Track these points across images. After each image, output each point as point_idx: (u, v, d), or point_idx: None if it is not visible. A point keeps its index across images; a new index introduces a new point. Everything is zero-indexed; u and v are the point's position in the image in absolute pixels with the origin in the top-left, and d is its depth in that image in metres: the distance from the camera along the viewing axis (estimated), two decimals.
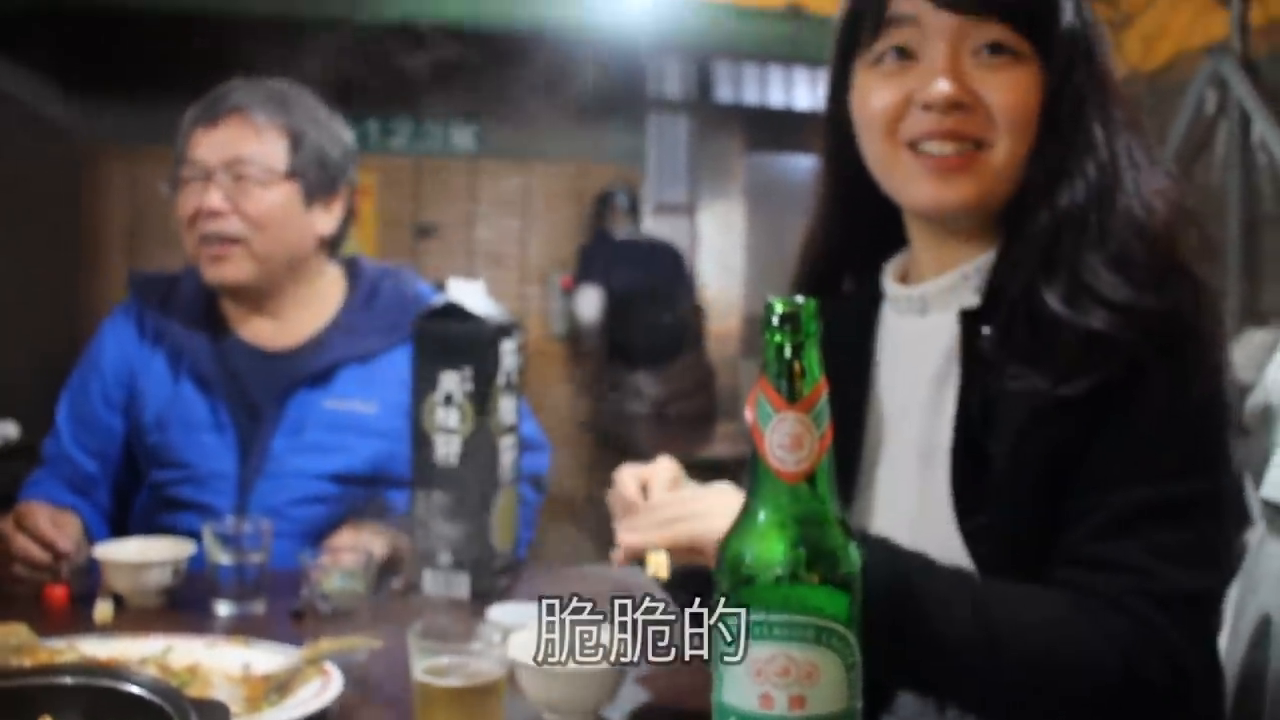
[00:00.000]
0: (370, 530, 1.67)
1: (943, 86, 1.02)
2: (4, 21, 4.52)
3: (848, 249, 1.24)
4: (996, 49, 1.03)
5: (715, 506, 1.04)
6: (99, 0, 4.61)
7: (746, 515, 0.73)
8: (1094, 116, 1.06)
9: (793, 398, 0.71)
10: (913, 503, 1.12)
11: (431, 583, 1.54)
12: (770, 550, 0.71)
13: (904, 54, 1.06)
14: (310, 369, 1.84)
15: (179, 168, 1.81)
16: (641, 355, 5.42)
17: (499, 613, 1.32)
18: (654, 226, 6.29)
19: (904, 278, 1.20)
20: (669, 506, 1.07)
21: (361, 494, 1.82)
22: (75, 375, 1.93)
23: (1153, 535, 0.97)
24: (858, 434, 1.18)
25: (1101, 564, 0.98)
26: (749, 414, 0.73)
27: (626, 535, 1.08)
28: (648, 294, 5.49)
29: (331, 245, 1.91)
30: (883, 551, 0.96)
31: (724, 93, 6.45)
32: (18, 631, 1.19)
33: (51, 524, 1.61)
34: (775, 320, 0.73)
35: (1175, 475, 0.98)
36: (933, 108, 1.03)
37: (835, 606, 0.71)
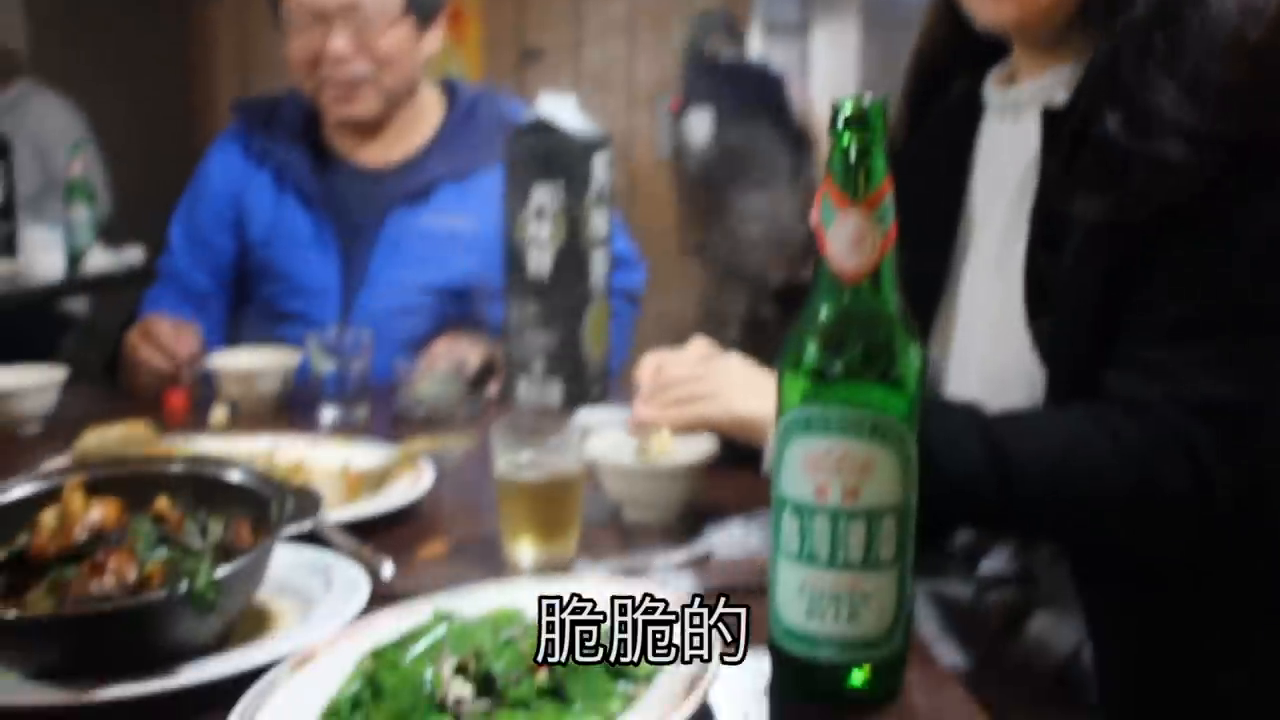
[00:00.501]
0: (466, 340, 1.72)
1: None
2: None
3: (955, 58, 1.25)
4: None
5: (726, 386, 1.15)
6: None
7: (809, 313, 0.74)
8: None
9: (857, 197, 0.71)
10: (994, 304, 1.13)
11: (525, 391, 1.59)
12: (830, 347, 0.72)
13: None
14: (409, 187, 1.88)
15: (287, 8, 1.82)
16: (751, 178, 5.35)
17: (587, 415, 1.36)
18: (765, 47, 6.12)
19: (1009, 81, 1.20)
20: (683, 386, 1.17)
21: (457, 306, 1.87)
22: (185, 197, 2.00)
23: (1195, 346, 0.95)
24: (948, 240, 1.21)
25: (1139, 368, 0.97)
26: (814, 215, 0.74)
27: (639, 410, 1.19)
28: (755, 117, 5.38)
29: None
30: None
31: None
32: (140, 428, 1.27)
33: (174, 335, 1.69)
34: (843, 120, 0.72)
35: (1231, 294, 0.96)
36: None
37: (893, 404, 0.72)
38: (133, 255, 3.68)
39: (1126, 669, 1.06)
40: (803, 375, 0.73)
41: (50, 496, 0.87)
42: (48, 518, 0.83)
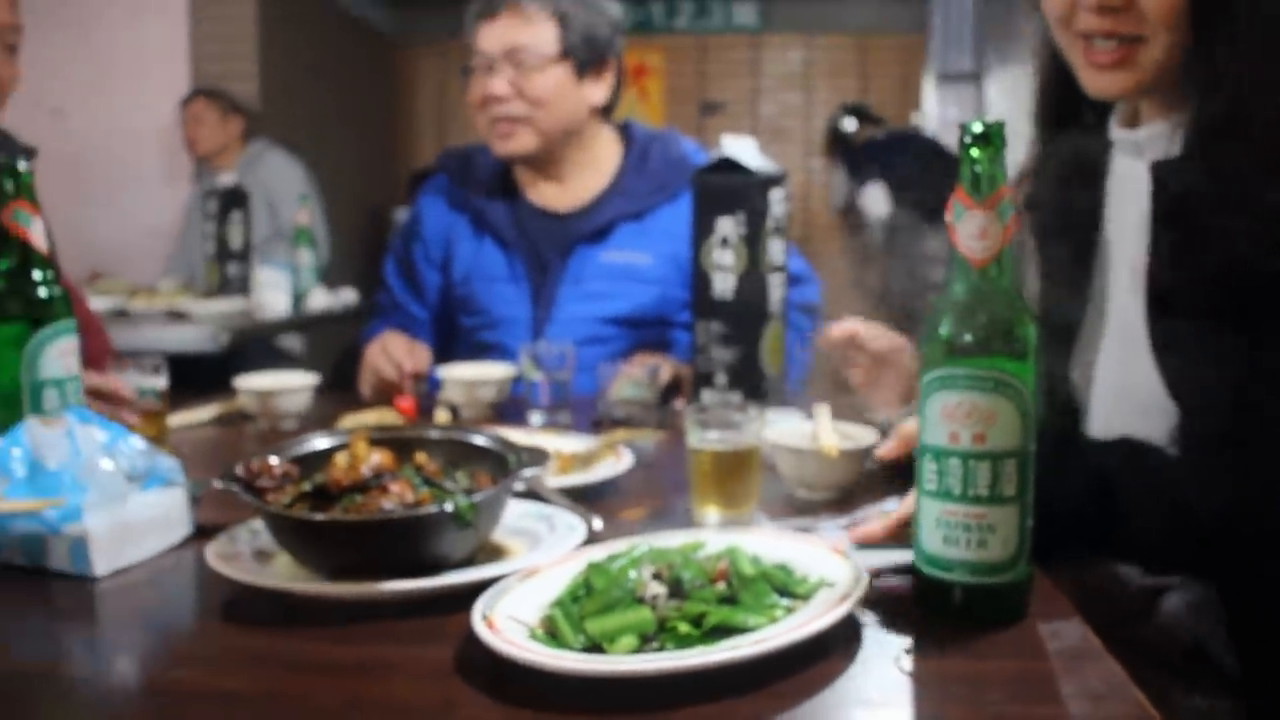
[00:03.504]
0: (659, 356, 1.93)
1: None
2: None
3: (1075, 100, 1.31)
4: None
5: None
6: None
7: (944, 294, 0.91)
8: None
9: (981, 198, 0.88)
10: (1132, 337, 1.21)
11: (709, 402, 1.78)
12: (960, 320, 0.89)
13: None
14: (591, 226, 2.11)
15: (469, 58, 2.09)
16: (930, 232, 5.47)
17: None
18: (939, 96, 6.23)
19: (1133, 118, 1.27)
20: None
21: (635, 335, 2.08)
22: (398, 240, 2.28)
23: None
24: (1088, 269, 1.29)
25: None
26: (948, 215, 0.91)
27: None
28: (925, 178, 5.53)
29: (605, 111, 2.17)
30: None
31: None
32: (390, 415, 1.52)
33: (407, 350, 1.95)
34: (971, 137, 0.90)
35: None
36: (1091, 9, 1.14)
37: (1013, 366, 0.88)
38: (347, 296, 4.05)
39: (1261, 648, 1.14)
40: (939, 343, 0.90)
41: (340, 448, 1.10)
42: (340, 459, 1.06)
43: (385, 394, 1.92)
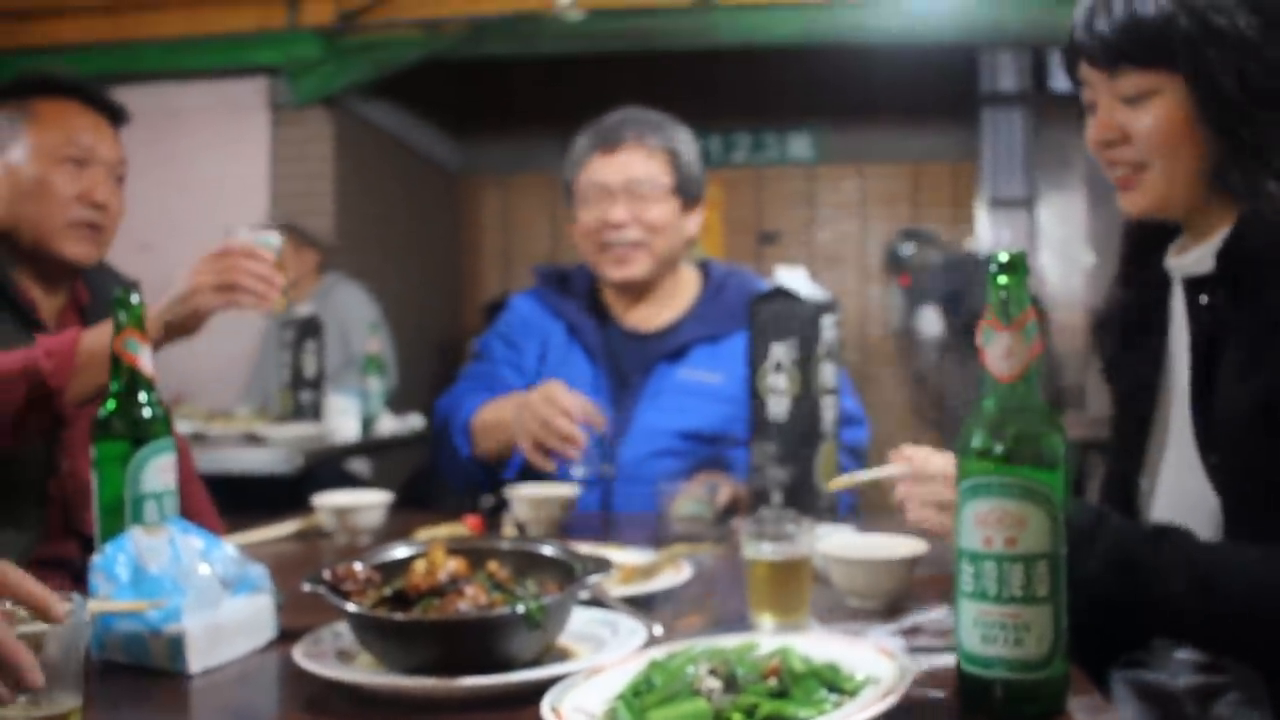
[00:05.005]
0: (718, 475, 2.01)
1: (1089, 132, 1.32)
2: (399, 77, 5.27)
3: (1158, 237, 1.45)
4: (1135, 93, 1.26)
5: None
6: (477, 52, 5.25)
7: (976, 409, 0.99)
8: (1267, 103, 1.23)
9: (1008, 321, 0.96)
10: (1184, 442, 1.34)
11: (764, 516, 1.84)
12: (991, 433, 0.96)
13: (1090, 105, 1.34)
14: (669, 347, 2.23)
15: (577, 189, 2.23)
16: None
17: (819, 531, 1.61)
18: (990, 221, 6.34)
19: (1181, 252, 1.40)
20: (942, 489, 1.33)
21: (706, 450, 2.16)
22: (497, 326, 2.38)
23: None
24: (1154, 388, 1.42)
25: None
26: (978, 336, 0.99)
27: (901, 490, 1.38)
28: (978, 300, 5.62)
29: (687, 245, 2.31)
30: (1109, 534, 1.19)
31: (1061, 81, 6.37)
32: (461, 529, 1.60)
33: (576, 398, 1.95)
34: (997, 266, 0.98)
35: None
36: (1096, 145, 1.32)
37: (1040, 475, 0.95)
38: (414, 421, 4.17)
39: None
40: (972, 455, 0.97)
41: (418, 556, 1.18)
42: (419, 566, 1.14)
43: (546, 451, 1.92)
